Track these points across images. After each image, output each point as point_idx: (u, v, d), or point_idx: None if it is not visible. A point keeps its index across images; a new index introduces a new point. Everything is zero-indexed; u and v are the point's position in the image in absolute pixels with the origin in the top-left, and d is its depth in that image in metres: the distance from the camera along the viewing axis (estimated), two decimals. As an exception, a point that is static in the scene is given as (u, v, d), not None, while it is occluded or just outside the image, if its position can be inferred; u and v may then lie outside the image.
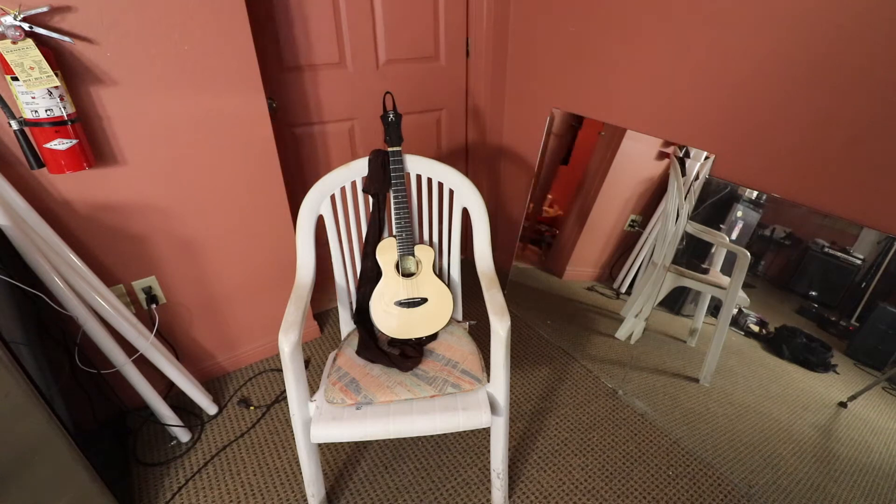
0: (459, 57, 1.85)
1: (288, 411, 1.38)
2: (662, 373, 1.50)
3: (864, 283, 1.06)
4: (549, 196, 1.82)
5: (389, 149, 1.16)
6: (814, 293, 1.16)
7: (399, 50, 1.71)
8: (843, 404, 1.13)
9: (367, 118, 1.75)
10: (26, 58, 0.96)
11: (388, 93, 1.22)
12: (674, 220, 1.40)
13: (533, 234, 1.92)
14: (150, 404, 1.36)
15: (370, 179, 1.19)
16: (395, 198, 1.17)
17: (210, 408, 1.52)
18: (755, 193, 1.20)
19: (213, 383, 1.66)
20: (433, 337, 1.24)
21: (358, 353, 1.19)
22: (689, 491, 1.30)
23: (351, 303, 1.30)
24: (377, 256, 1.22)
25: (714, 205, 1.28)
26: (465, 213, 1.25)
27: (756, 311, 1.26)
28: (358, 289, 1.28)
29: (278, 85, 1.54)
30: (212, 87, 1.29)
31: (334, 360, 1.19)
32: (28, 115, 1.01)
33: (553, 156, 1.76)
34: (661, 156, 1.40)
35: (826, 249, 1.11)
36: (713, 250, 1.33)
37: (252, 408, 1.56)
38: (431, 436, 1.46)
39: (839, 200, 1.05)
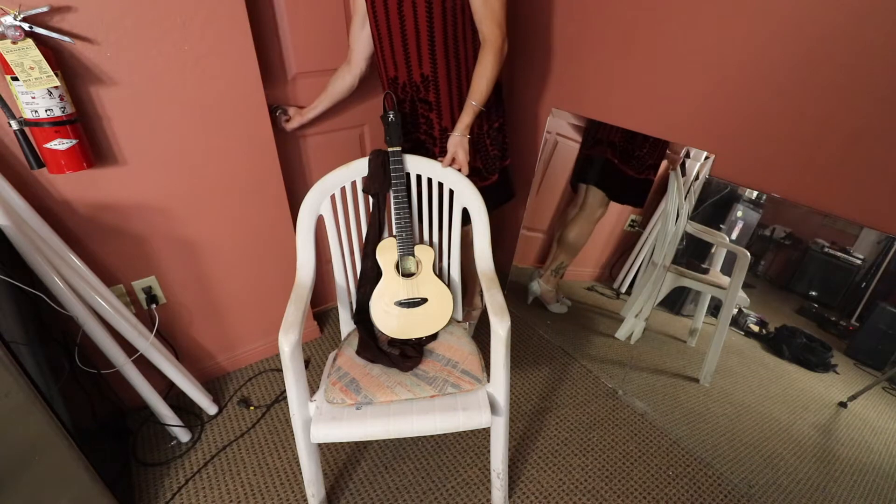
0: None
1: (288, 411, 1.38)
2: (662, 373, 1.50)
3: (864, 283, 1.06)
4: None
5: (389, 149, 1.16)
6: (814, 293, 1.16)
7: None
8: (843, 404, 1.13)
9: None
10: (26, 58, 0.96)
11: (388, 93, 1.22)
12: (674, 220, 1.40)
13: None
14: (150, 404, 1.36)
15: (370, 179, 1.19)
16: (395, 198, 1.17)
17: (210, 408, 1.52)
18: (755, 193, 1.20)
19: (213, 383, 1.66)
20: (433, 337, 1.24)
21: (358, 353, 1.19)
22: (689, 491, 1.30)
23: (351, 303, 1.30)
24: (377, 256, 1.22)
25: (714, 205, 1.28)
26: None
27: (756, 311, 1.26)
28: (358, 289, 1.28)
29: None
30: (212, 88, 1.29)
31: (334, 360, 1.19)
32: (28, 115, 1.01)
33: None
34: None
35: (826, 249, 1.11)
36: (713, 250, 1.33)
37: (252, 408, 1.56)
38: (431, 436, 1.46)
39: (839, 200, 1.05)
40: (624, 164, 1.50)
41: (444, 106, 1.31)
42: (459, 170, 1.23)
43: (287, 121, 1.51)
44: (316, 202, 1.17)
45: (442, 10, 1.18)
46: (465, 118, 1.25)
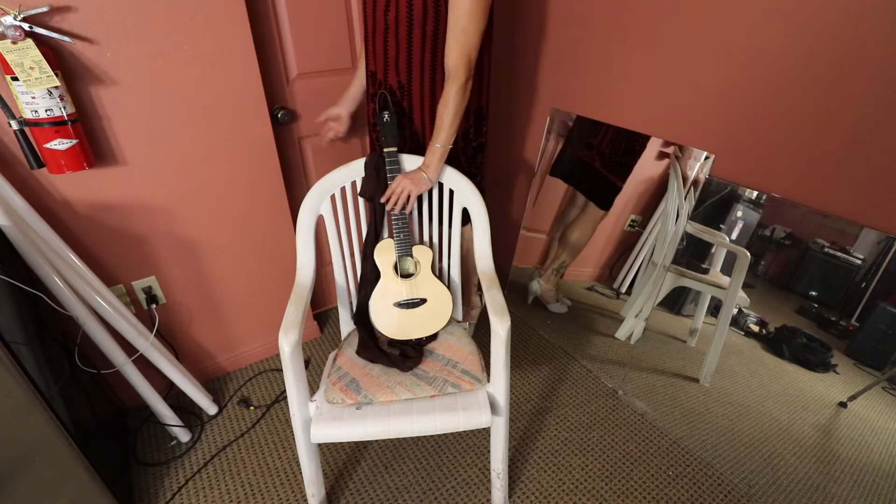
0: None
1: (288, 411, 1.38)
2: (662, 373, 1.50)
3: (864, 283, 1.06)
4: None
5: (385, 150, 1.15)
6: (814, 293, 1.16)
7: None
8: (843, 404, 1.13)
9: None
10: (26, 58, 0.96)
11: (382, 91, 1.22)
12: (674, 220, 1.40)
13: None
14: (150, 404, 1.36)
15: (364, 183, 1.18)
16: (394, 198, 1.17)
17: (210, 408, 1.52)
18: (755, 193, 1.20)
19: (213, 383, 1.66)
20: (433, 337, 1.24)
21: (358, 353, 1.19)
22: (689, 491, 1.30)
23: (351, 303, 1.30)
24: (375, 257, 1.22)
25: (714, 205, 1.28)
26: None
27: (756, 311, 1.26)
28: (358, 291, 1.27)
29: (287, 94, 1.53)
30: (212, 87, 1.29)
31: (334, 360, 1.19)
32: (28, 115, 1.01)
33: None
34: (661, 156, 1.40)
35: (826, 249, 1.11)
36: (713, 250, 1.33)
37: (252, 408, 1.56)
38: (431, 436, 1.46)
39: (839, 200, 1.05)
40: (607, 171, 1.55)
41: (416, 113, 1.28)
42: (399, 202, 1.17)
43: (333, 126, 1.46)
44: (316, 202, 1.17)
45: (422, 34, 1.15)
46: (431, 158, 1.17)
